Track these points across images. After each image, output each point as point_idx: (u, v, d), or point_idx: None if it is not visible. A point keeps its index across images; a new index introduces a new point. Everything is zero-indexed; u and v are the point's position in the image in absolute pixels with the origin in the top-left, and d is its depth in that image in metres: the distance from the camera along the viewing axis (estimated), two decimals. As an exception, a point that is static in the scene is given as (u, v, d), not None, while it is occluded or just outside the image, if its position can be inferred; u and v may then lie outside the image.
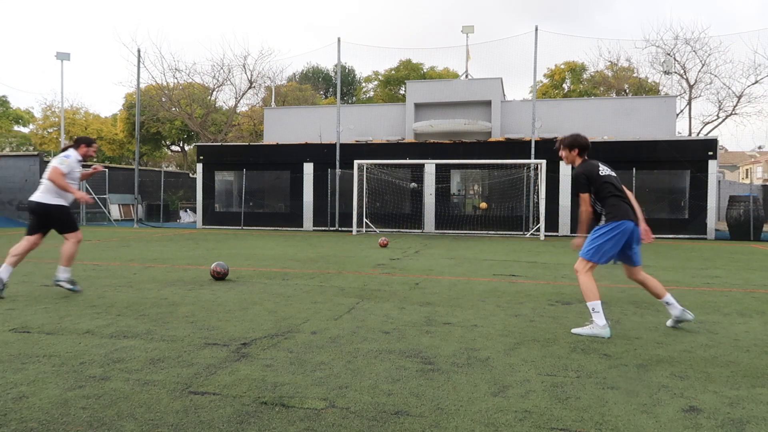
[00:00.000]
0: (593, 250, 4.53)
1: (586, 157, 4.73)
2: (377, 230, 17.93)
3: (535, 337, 4.32)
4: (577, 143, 4.69)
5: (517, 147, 18.05)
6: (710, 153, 16.68)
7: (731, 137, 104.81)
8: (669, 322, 4.75)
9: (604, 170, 4.65)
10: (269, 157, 20.16)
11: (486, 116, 23.00)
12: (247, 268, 8.42)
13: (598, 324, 4.37)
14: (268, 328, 4.52)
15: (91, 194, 22.33)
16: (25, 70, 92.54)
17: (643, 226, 4.60)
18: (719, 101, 26.44)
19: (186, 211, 25.88)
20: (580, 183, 4.59)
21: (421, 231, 18.36)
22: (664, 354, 3.89)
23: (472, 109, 23.21)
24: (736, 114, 26.31)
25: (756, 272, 8.60)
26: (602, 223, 4.55)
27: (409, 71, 42.44)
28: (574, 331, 4.50)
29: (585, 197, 4.57)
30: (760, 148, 54.89)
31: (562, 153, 4.79)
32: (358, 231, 17.69)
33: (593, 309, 4.42)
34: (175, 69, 28.78)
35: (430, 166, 18.39)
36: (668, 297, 4.65)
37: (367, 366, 3.53)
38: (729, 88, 26.09)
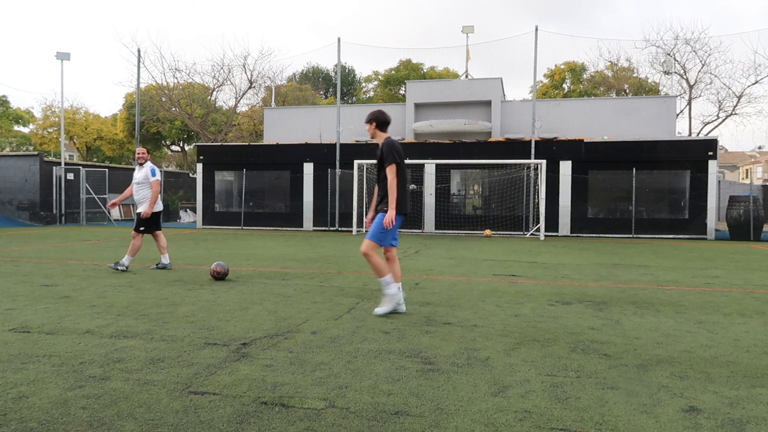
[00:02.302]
0: (381, 236, 5.05)
1: (388, 134, 5.20)
2: (377, 230, 17.92)
3: (535, 337, 4.32)
4: (374, 117, 5.18)
5: (517, 147, 18.05)
6: (710, 153, 16.68)
7: (731, 137, 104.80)
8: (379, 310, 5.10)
9: (403, 155, 5.12)
10: (269, 157, 20.16)
11: (486, 116, 23.00)
12: (247, 268, 8.42)
13: (390, 293, 4.98)
14: (268, 328, 4.52)
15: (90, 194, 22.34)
16: (25, 70, 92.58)
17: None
18: (719, 101, 26.44)
19: (186, 211, 25.88)
20: (391, 154, 5.00)
21: (421, 231, 18.36)
22: (664, 354, 3.89)
23: (472, 109, 23.21)
24: (736, 114, 26.30)
25: (756, 272, 8.60)
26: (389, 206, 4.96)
27: (409, 71, 42.44)
28: (376, 311, 5.04)
29: (394, 168, 4.98)
30: (760, 148, 54.90)
31: (367, 126, 5.29)
32: (358, 231, 17.69)
33: (386, 282, 4.98)
34: (175, 69, 28.78)
35: (430, 166, 18.39)
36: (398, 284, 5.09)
37: (367, 366, 3.53)
38: (729, 88, 26.10)
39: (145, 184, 8.12)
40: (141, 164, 8.22)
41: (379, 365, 3.55)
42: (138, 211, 8.18)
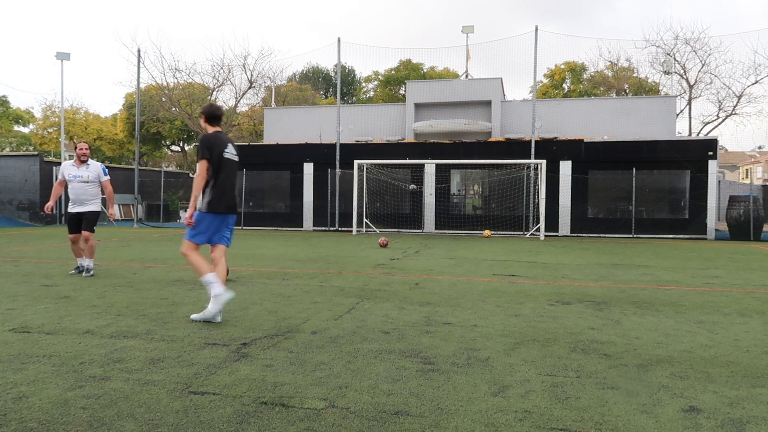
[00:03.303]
0: (196, 235, 4.84)
1: (218, 128, 5.02)
2: (377, 230, 17.93)
3: (535, 337, 4.32)
4: (203, 111, 5.04)
5: (517, 147, 18.05)
6: (710, 153, 16.68)
7: (731, 137, 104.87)
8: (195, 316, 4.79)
9: (230, 152, 4.97)
10: (269, 157, 20.16)
11: (486, 116, 23.00)
12: (247, 268, 8.42)
13: (216, 292, 4.61)
14: (268, 328, 4.52)
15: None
16: (25, 70, 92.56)
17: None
18: (719, 101, 26.48)
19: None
20: (202, 148, 4.81)
21: (421, 231, 18.36)
22: (664, 354, 3.89)
23: (472, 109, 23.21)
24: (736, 114, 26.34)
25: (756, 272, 8.60)
26: (204, 204, 4.83)
27: (409, 71, 42.46)
28: (193, 317, 4.73)
29: (204, 164, 4.79)
30: (760, 148, 54.89)
31: (200, 120, 5.18)
32: (358, 231, 17.69)
33: (208, 282, 4.65)
34: (175, 69, 28.79)
35: (430, 166, 18.40)
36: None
37: (367, 366, 3.53)
38: (729, 88, 26.13)
39: (95, 183, 7.70)
40: (83, 161, 7.62)
41: (379, 365, 3.55)
42: (83, 210, 7.65)
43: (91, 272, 7.59)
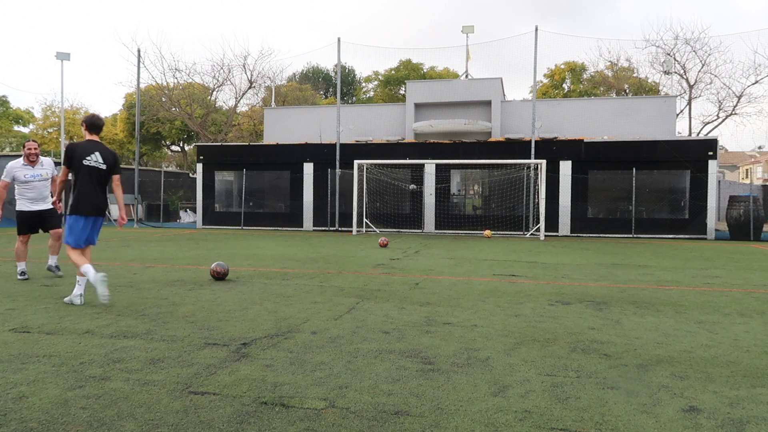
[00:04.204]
0: (71, 238, 5.39)
1: (95, 137, 5.43)
2: (377, 230, 17.93)
3: (535, 337, 4.32)
4: (85, 119, 5.48)
5: (517, 147, 18.06)
6: (710, 153, 16.68)
7: (731, 137, 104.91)
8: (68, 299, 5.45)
9: (94, 159, 5.32)
10: (269, 157, 20.16)
11: (486, 116, 23.00)
12: (247, 268, 8.42)
13: (93, 278, 5.16)
14: (268, 328, 4.52)
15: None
16: (25, 70, 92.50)
17: (120, 214, 5.71)
18: (719, 101, 26.48)
19: (186, 211, 25.87)
20: (64, 155, 5.34)
21: (421, 231, 18.36)
22: (664, 354, 3.89)
23: (472, 109, 23.21)
24: (736, 114, 26.34)
25: (756, 272, 8.60)
26: (68, 207, 5.35)
27: (409, 71, 42.48)
28: (65, 299, 5.44)
29: (64, 170, 5.40)
30: (760, 148, 54.89)
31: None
32: (358, 231, 17.69)
33: (86, 271, 5.19)
34: (175, 69, 28.82)
35: (430, 166, 18.40)
36: (84, 278, 5.30)
37: (367, 366, 3.53)
38: (729, 88, 26.13)
39: (50, 178, 7.42)
40: (33, 161, 7.19)
41: (379, 365, 3.55)
42: (45, 208, 7.36)
43: (59, 271, 7.54)
